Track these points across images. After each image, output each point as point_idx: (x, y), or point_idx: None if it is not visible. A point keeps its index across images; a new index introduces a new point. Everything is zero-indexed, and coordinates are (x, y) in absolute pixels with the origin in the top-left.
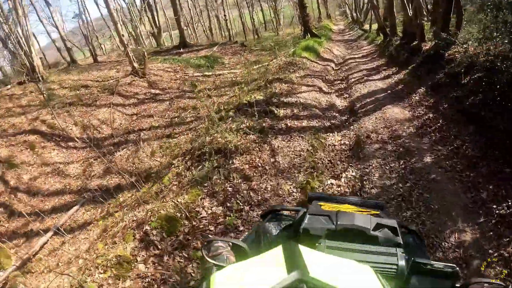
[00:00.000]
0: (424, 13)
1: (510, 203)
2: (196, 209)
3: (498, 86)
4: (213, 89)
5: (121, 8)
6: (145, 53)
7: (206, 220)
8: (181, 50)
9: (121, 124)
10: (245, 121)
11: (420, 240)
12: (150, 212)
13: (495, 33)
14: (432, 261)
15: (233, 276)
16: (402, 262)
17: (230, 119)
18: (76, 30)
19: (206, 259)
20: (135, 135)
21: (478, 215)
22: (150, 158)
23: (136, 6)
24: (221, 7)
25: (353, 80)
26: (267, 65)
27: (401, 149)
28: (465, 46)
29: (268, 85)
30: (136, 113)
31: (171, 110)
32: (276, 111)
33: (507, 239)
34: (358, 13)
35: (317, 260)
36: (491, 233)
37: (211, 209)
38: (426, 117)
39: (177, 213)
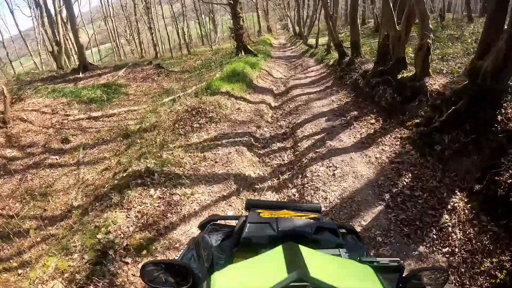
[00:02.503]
0: (430, 26)
1: None
2: None
3: None
4: (93, 145)
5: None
6: (5, 91)
7: None
8: (80, 74)
9: None
10: None
11: (359, 238)
12: None
13: None
14: (377, 258)
15: (234, 276)
16: None
17: None
18: None
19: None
20: None
21: None
22: None
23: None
24: (155, 20)
25: (305, 145)
26: (177, 98)
27: None
28: None
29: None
30: None
31: (15, 197)
32: None
33: None
34: (301, 27)
35: (317, 260)
36: None
37: None
38: None
39: None
